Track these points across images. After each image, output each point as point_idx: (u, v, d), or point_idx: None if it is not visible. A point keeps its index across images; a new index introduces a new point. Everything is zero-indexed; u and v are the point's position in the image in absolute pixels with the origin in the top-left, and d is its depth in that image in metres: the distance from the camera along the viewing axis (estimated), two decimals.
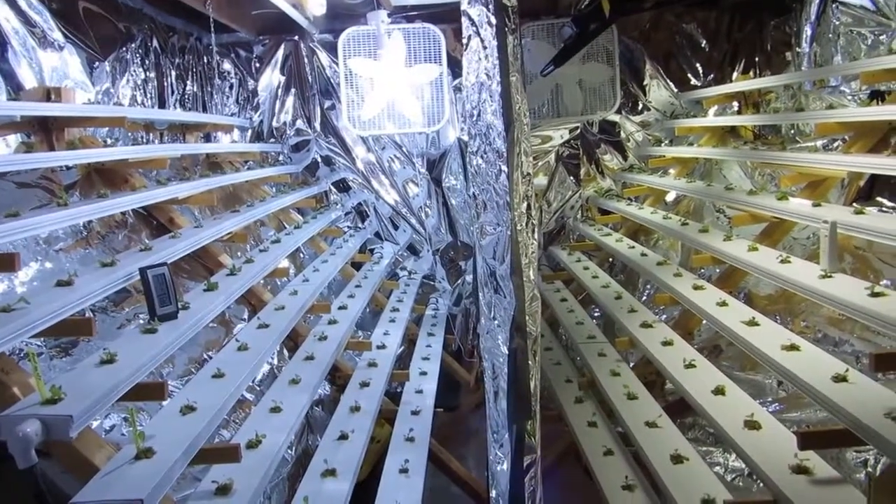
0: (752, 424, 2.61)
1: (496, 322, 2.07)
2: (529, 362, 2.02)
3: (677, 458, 2.80)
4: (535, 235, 2.07)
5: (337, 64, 5.82)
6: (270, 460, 2.57)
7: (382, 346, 4.49)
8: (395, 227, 6.46)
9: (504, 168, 1.92)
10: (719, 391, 2.92)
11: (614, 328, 4.68)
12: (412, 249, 6.52)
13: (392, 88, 5.64)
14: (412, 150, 6.20)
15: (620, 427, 3.36)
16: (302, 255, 5.74)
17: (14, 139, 3.44)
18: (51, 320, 2.23)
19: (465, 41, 2.10)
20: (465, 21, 2.09)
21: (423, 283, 6.39)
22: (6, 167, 2.93)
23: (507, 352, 2.06)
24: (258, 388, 3.83)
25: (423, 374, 4.55)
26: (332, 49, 5.90)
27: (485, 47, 2.05)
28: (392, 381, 4.35)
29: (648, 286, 5.29)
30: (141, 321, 3.19)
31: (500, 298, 2.04)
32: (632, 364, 4.24)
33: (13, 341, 2.08)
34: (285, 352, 4.25)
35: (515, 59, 2.01)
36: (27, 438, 1.81)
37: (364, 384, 3.90)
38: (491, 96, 2.02)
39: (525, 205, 1.99)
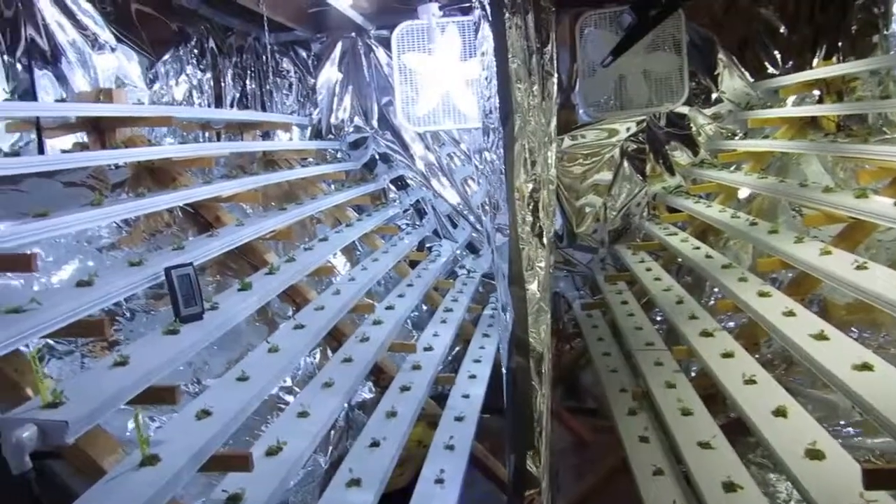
0: (814, 454, 2.33)
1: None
2: (533, 383, 1.81)
3: (730, 486, 2.53)
4: (544, 241, 1.86)
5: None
6: (288, 469, 2.48)
7: (429, 348, 4.35)
8: (454, 226, 6.33)
9: (503, 167, 1.73)
10: (780, 412, 2.63)
11: (676, 335, 4.38)
12: (471, 248, 6.37)
13: (446, 83, 5.49)
14: (471, 146, 6.05)
15: None
16: (358, 253, 5.69)
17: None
18: (64, 321, 2.21)
19: (475, 28, 1.92)
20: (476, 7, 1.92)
21: (483, 281, 6.22)
22: (49, 166, 2.98)
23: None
24: (297, 390, 3.77)
25: (473, 377, 4.38)
26: (388, 44, 5.81)
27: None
28: (438, 384, 4.22)
29: (716, 291, 4.94)
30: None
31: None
32: (693, 375, 3.94)
33: (19, 342, 2.06)
34: (329, 352, 4.18)
35: (527, 40, 1.79)
36: (20, 444, 1.76)
37: (405, 388, 3.76)
38: None
39: (531, 207, 1.80)
